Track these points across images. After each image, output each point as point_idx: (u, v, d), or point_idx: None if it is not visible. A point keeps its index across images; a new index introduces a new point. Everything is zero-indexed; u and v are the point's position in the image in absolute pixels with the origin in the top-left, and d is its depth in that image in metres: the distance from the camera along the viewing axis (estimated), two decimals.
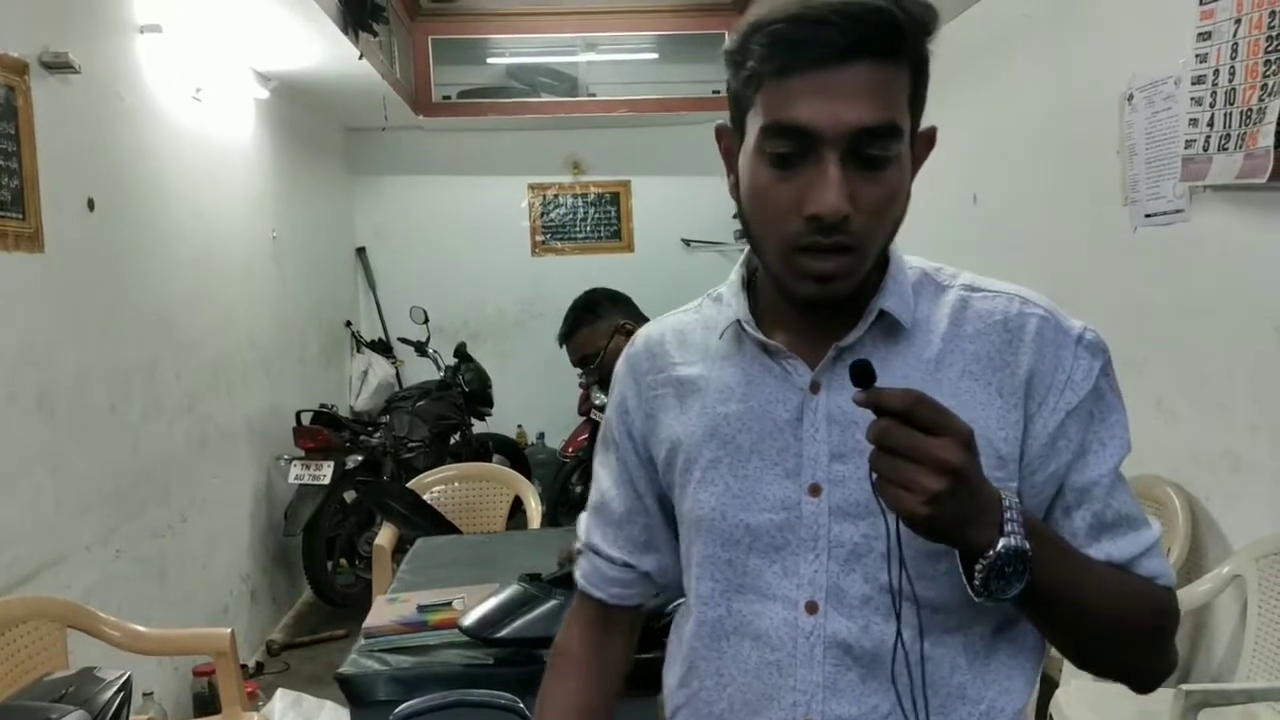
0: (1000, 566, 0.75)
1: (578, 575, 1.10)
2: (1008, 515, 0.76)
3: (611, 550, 1.06)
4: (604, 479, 1.08)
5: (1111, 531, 0.87)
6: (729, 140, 0.92)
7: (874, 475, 0.76)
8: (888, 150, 0.82)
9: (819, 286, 0.84)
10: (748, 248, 0.97)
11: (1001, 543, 0.75)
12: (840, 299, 0.86)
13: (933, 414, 0.74)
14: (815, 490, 0.89)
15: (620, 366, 1.06)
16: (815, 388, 0.90)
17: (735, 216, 0.93)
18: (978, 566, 0.76)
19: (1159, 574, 0.89)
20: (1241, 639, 2.35)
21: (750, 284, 0.98)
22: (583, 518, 1.11)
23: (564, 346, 2.46)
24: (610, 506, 1.06)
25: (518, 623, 1.77)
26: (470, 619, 1.80)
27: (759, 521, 0.91)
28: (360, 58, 4.14)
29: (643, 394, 1.01)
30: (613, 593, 1.07)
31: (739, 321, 0.94)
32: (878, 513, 0.84)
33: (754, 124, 0.84)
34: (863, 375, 0.74)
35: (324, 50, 4.05)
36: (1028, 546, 0.76)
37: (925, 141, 0.89)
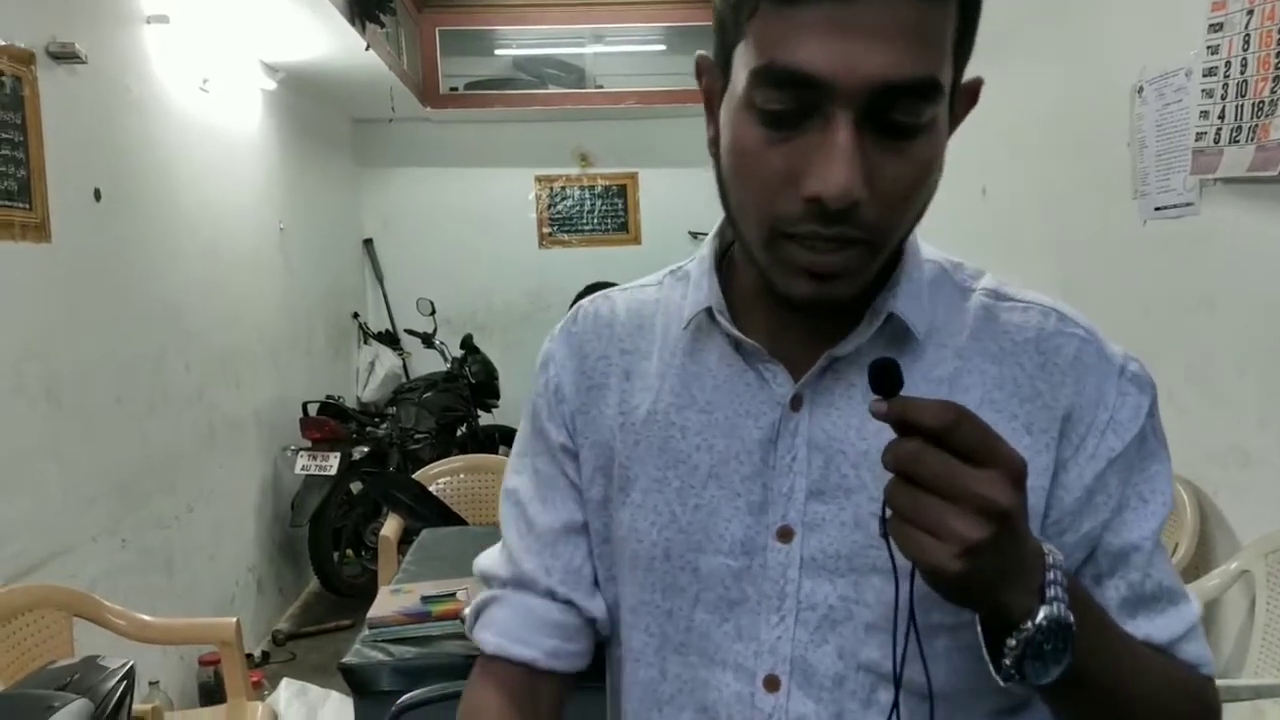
0: (1039, 643, 0.58)
1: (484, 636, 0.81)
2: (1051, 576, 0.59)
3: (550, 581, 0.79)
4: (527, 488, 0.83)
5: (1149, 607, 0.71)
6: (710, 78, 0.69)
7: (887, 512, 0.58)
8: (920, 115, 0.61)
9: (813, 285, 0.65)
10: (724, 216, 0.76)
11: (1043, 613, 0.58)
12: (839, 302, 0.67)
13: (979, 437, 0.56)
14: (785, 534, 0.71)
15: (555, 346, 0.84)
16: (797, 403, 0.71)
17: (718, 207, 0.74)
18: (1011, 642, 0.59)
19: (1202, 661, 0.72)
20: (1249, 635, 2.34)
21: (724, 261, 0.78)
22: (481, 559, 0.86)
23: None
24: (541, 523, 0.81)
25: None
26: None
27: (711, 566, 0.72)
28: (367, 49, 4.13)
29: (580, 383, 0.81)
30: (549, 647, 0.78)
31: (709, 310, 0.75)
32: (863, 570, 0.69)
33: (743, 64, 0.63)
34: (885, 378, 0.58)
35: (331, 41, 4.04)
36: (1073, 619, 0.59)
37: (967, 97, 0.68)
